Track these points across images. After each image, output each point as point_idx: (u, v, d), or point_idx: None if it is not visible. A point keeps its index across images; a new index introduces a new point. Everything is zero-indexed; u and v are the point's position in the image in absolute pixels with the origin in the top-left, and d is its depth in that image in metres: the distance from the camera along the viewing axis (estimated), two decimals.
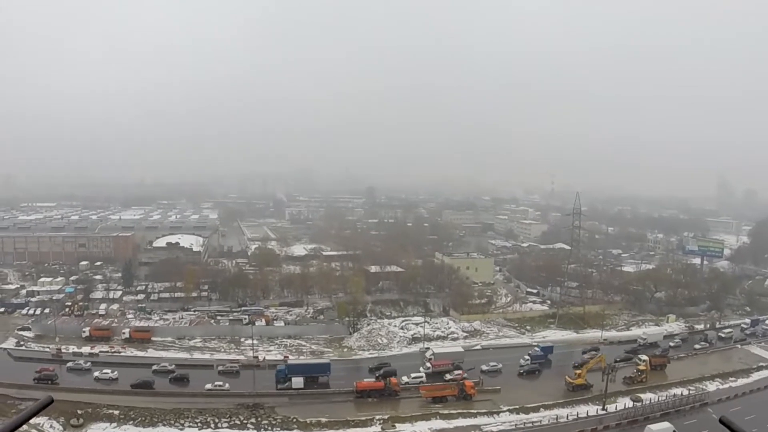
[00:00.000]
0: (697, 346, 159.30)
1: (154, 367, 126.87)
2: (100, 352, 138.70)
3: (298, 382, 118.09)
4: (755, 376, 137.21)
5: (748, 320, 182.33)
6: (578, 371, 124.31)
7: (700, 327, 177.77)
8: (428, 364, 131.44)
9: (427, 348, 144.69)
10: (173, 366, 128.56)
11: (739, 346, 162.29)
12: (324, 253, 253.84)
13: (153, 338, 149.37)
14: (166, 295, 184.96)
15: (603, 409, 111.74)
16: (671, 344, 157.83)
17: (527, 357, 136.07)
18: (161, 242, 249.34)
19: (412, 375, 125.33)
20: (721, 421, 8.76)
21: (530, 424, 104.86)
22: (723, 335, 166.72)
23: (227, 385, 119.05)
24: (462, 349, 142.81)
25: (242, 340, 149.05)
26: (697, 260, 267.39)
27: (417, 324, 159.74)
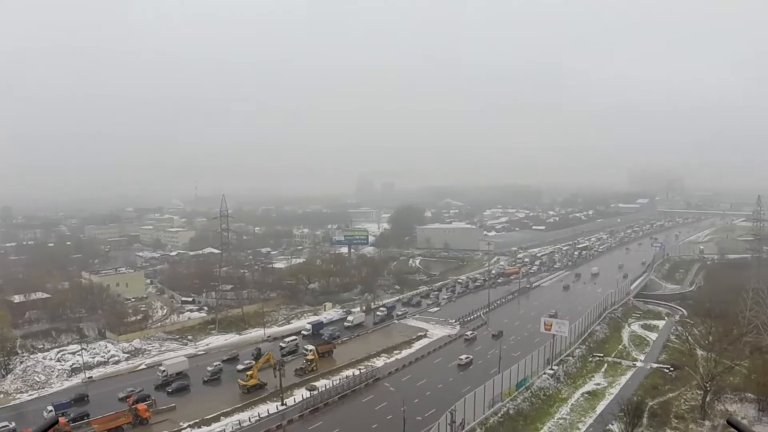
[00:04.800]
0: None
1: None
2: None
3: None
4: (417, 345, 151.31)
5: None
6: (249, 372, 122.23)
7: (356, 309, 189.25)
8: None
9: (90, 377, 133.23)
10: None
11: (396, 321, 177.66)
12: None
13: None
14: None
15: (282, 404, 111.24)
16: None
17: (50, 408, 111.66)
18: None
19: None
20: (728, 422, 9.20)
21: None
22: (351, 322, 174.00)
23: None
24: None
25: None
26: (344, 249, 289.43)
27: (74, 353, 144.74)
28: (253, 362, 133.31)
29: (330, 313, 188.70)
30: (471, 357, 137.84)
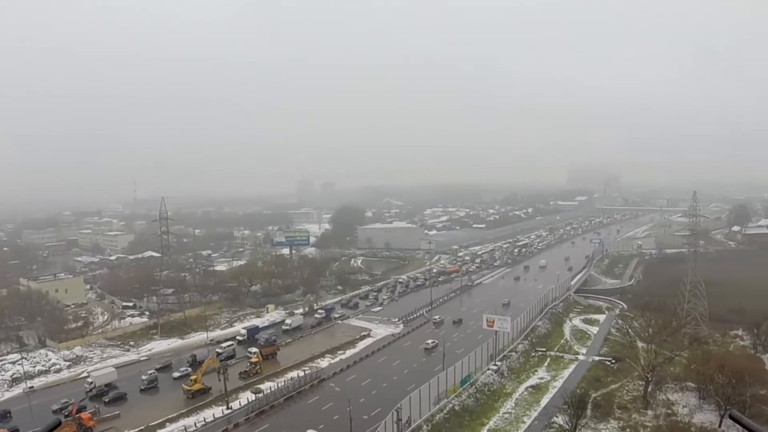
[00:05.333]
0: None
1: None
2: None
3: None
4: (361, 345, 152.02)
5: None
6: (194, 377, 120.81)
7: (299, 311, 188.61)
8: None
9: (31, 387, 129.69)
10: None
11: (340, 321, 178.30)
12: None
13: None
14: None
15: (228, 408, 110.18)
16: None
17: None
18: None
19: None
20: (731, 417, 9.25)
21: None
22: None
23: None
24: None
25: None
26: (286, 250, 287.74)
27: (14, 362, 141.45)
28: (189, 369, 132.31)
29: (273, 314, 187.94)
30: (437, 341, 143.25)
